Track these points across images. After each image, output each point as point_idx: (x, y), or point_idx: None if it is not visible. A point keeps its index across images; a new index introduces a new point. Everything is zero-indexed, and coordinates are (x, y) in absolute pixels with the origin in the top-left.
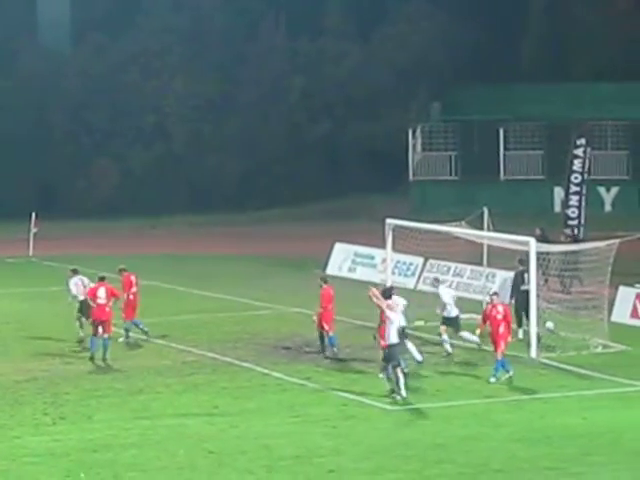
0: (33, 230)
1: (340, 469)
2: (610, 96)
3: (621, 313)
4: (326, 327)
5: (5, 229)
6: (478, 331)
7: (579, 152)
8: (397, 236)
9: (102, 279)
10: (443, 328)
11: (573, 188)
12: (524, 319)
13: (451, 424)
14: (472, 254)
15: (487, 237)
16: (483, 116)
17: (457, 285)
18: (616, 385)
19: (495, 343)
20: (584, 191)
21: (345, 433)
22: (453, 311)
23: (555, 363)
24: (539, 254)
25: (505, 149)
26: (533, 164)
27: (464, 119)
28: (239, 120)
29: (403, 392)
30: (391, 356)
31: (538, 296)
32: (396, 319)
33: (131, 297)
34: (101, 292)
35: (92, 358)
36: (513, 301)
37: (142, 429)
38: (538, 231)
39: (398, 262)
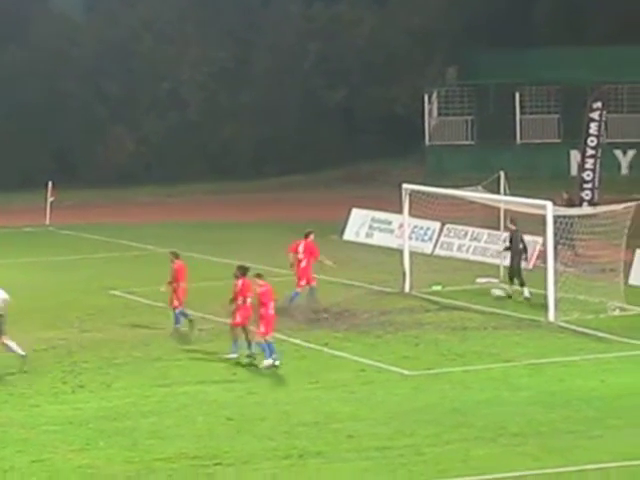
0: (50, 199)
1: (358, 434)
2: (626, 59)
3: (638, 276)
4: (176, 303)
5: (22, 198)
6: None
7: (595, 115)
8: (414, 201)
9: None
10: None
11: (589, 151)
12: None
13: (469, 388)
14: (489, 218)
15: (504, 201)
16: (499, 80)
17: (474, 249)
18: (634, 348)
19: None
20: (599, 154)
21: (363, 398)
22: None
23: (573, 326)
24: (557, 217)
25: (521, 113)
26: (549, 128)
27: (480, 83)
28: (255, 87)
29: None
30: None
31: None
32: None
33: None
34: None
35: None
36: (508, 262)
37: (161, 397)
38: (565, 195)
39: (415, 227)
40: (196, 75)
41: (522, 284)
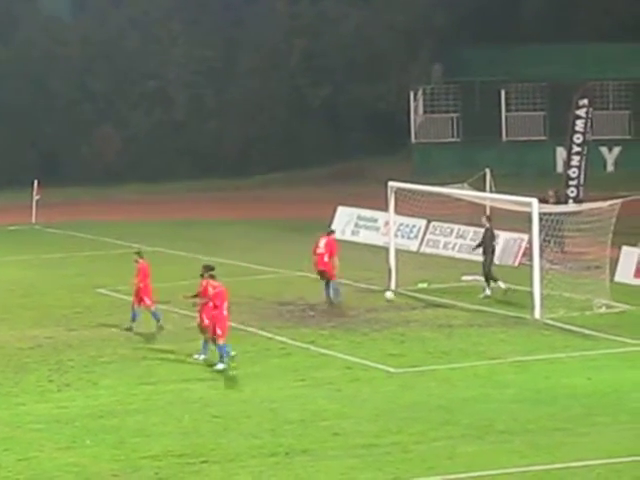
0: (36, 197)
1: (345, 432)
2: (612, 56)
3: (624, 273)
4: (147, 302)
5: (8, 197)
6: None
7: (581, 112)
8: (399, 199)
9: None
10: None
11: (575, 148)
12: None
13: (455, 386)
14: (475, 216)
15: (489, 198)
16: (484, 77)
17: (460, 247)
18: (620, 345)
19: None
20: (585, 151)
21: (349, 396)
22: None
23: (559, 324)
24: (542, 215)
25: (507, 110)
26: (535, 125)
27: (465, 80)
28: (240, 85)
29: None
30: None
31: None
32: None
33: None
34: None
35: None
36: (483, 259)
37: (146, 395)
38: (551, 193)
39: (401, 225)
40: (182, 73)
41: (489, 280)
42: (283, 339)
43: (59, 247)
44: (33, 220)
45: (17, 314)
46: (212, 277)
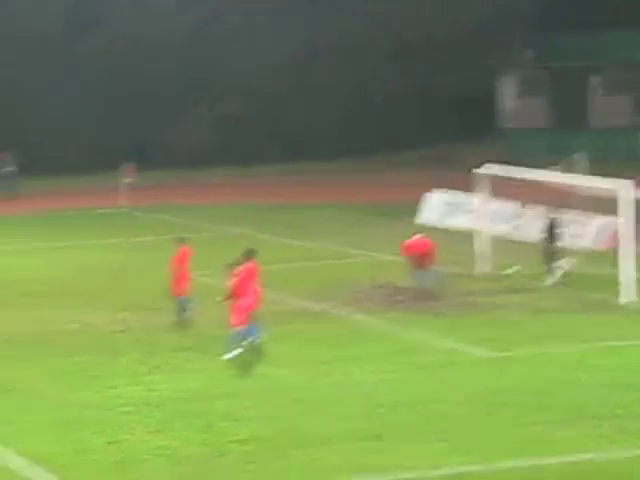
0: (126, 180)
1: (438, 416)
2: None
3: None
4: (179, 290)
5: (94, 180)
6: None
7: None
8: (490, 183)
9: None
10: None
11: None
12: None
13: (546, 370)
14: (565, 201)
15: (581, 183)
16: (575, 63)
17: None
18: None
19: None
20: None
21: (441, 380)
22: None
23: None
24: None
25: (597, 96)
26: (624, 110)
27: (556, 66)
28: (331, 68)
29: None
30: None
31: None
32: None
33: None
34: None
35: None
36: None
37: (235, 379)
38: None
39: (492, 209)
40: (272, 56)
41: (549, 271)
42: (375, 322)
43: (148, 230)
44: (122, 203)
45: (107, 297)
46: (236, 265)
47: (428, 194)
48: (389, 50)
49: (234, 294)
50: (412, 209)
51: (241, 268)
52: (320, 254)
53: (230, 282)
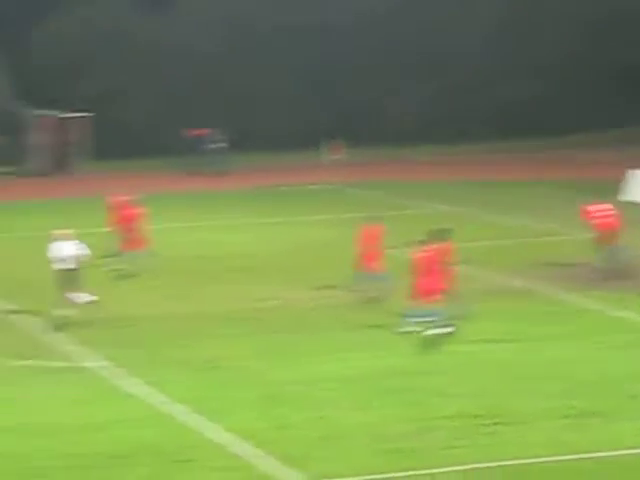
0: (334, 157)
1: None
2: None
3: None
4: (372, 265)
5: (303, 157)
6: None
7: None
8: None
9: None
10: None
11: None
12: None
13: None
14: None
15: None
16: None
17: None
18: None
19: None
20: None
21: None
22: None
23: None
24: None
25: None
26: None
27: None
28: (536, 45)
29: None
30: None
31: None
32: None
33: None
34: None
35: None
36: None
37: (442, 355)
38: None
39: None
40: (480, 30)
41: None
42: (575, 300)
43: (359, 207)
44: (330, 179)
45: (309, 274)
46: (423, 242)
47: (632, 172)
48: (591, 28)
49: (418, 271)
50: (615, 187)
51: (431, 247)
52: (524, 231)
53: (415, 258)
